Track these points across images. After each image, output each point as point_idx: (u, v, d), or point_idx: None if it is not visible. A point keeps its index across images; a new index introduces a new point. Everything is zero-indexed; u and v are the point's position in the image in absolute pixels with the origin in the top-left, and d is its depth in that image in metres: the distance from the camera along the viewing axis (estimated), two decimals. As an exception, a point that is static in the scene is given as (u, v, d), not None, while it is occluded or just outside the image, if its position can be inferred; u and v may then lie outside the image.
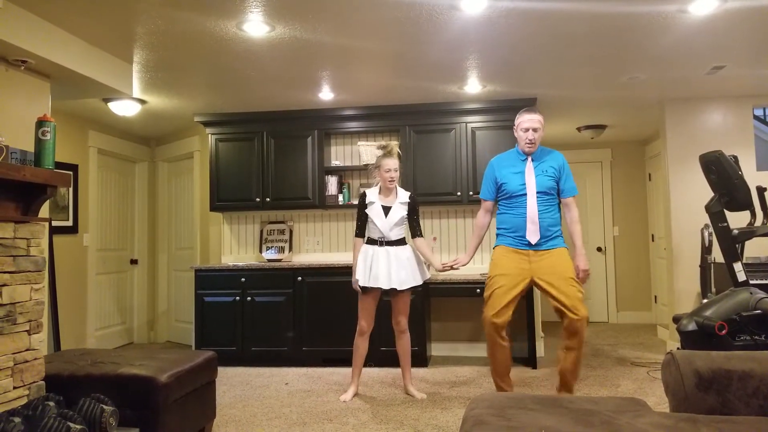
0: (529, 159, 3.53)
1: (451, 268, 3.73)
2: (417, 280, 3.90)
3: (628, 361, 4.93)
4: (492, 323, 3.39)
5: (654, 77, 4.48)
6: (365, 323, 3.94)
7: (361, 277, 3.85)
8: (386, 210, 3.90)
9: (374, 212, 3.89)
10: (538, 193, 3.47)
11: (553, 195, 3.53)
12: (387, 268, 3.82)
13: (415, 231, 3.98)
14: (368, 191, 3.98)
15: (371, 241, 3.92)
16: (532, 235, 3.43)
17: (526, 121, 3.50)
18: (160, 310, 6.47)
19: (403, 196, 3.95)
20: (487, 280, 3.52)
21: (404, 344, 3.98)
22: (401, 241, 3.93)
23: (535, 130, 3.49)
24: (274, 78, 4.37)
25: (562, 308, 3.33)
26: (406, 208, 3.93)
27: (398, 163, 3.93)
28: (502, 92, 4.85)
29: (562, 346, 3.43)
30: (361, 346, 3.96)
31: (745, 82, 4.66)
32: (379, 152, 3.94)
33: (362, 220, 3.95)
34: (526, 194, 3.48)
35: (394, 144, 3.96)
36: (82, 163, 5.53)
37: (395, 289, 3.83)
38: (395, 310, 3.95)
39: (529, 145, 3.51)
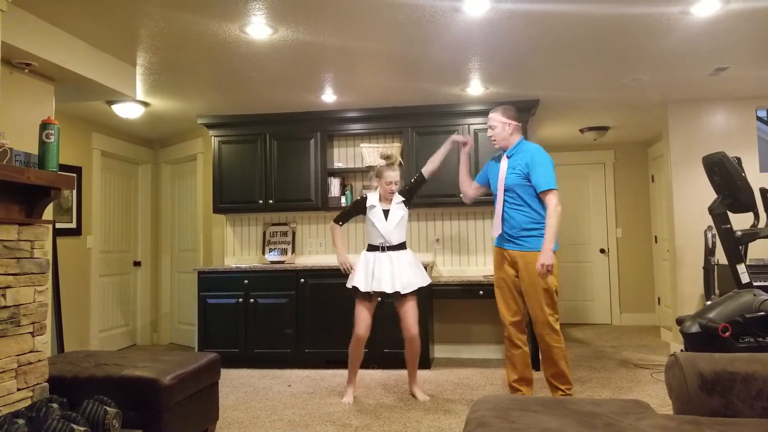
0: (504, 156, 3.61)
1: (464, 144, 3.87)
2: (419, 283, 3.90)
3: (631, 363, 4.92)
4: (506, 323, 3.59)
5: (657, 79, 4.47)
6: (362, 331, 3.87)
7: (362, 284, 3.83)
8: (386, 213, 3.92)
9: (375, 215, 3.91)
10: (505, 191, 3.54)
11: (522, 193, 3.49)
12: (390, 273, 3.82)
13: (420, 174, 4.00)
14: (369, 195, 3.99)
15: (372, 248, 3.92)
16: (495, 229, 3.57)
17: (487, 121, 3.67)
18: (163, 312, 6.48)
19: (398, 197, 3.99)
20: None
21: (414, 349, 3.91)
22: (402, 246, 3.94)
23: (491, 127, 3.62)
24: (276, 80, 4.38)
25: (529, 315, 3.59)
26: (403, 206, 3.98)
27: (399, 173, 3.96)
28: (504, 94, 4.85)
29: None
30: (357, 351, 3.91)
31: (749, 83, 4.65)
32: (382, 161, 3.96)
33: (350, 213, 4.06)
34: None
35: (396, 154, 4.03)
36: (86, 166, 5.55)
37: (399, 293, 3.83)
38: (402, 314, 3.90)
39: (493, 142, 3.64)
